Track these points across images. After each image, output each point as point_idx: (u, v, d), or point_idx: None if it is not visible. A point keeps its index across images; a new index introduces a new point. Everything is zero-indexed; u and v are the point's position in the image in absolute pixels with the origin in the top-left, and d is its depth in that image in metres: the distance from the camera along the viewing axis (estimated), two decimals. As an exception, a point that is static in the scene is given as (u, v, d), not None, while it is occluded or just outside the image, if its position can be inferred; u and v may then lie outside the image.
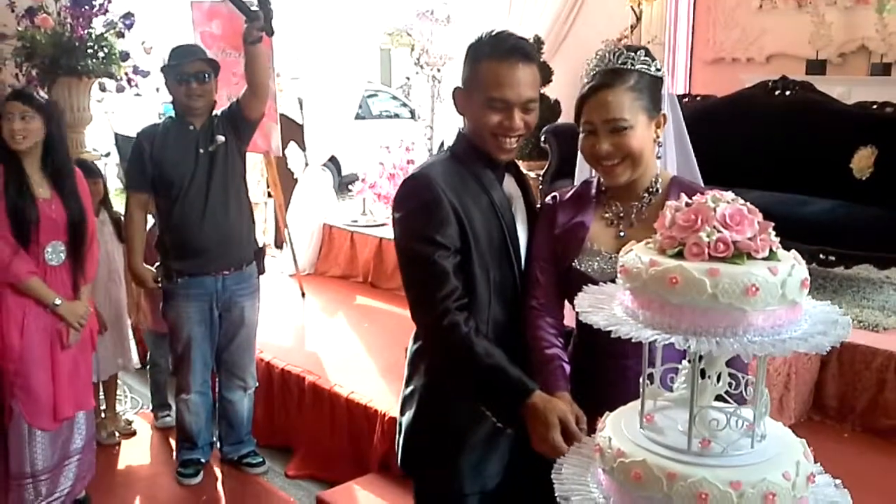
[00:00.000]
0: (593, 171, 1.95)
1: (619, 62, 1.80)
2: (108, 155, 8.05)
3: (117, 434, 4.10)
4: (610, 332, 1.33)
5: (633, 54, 1.81)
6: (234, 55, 4.94)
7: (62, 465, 3.21)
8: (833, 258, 4.34)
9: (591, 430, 1.66)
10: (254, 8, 3.15)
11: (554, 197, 2.03)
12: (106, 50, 4.53)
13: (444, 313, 1.85)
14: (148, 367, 4.27)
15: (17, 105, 3.00)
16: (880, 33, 6.30)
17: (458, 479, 2.01)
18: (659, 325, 1.28)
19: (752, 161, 4.91)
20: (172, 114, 3.52)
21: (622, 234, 1.87)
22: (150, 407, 4.32)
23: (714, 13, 7.48)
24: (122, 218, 3.73)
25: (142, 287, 3.65)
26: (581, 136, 1.87)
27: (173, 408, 4.07)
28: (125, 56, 4.62)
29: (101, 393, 4.05)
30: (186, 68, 3.36)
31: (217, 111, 3.49)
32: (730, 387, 1.40)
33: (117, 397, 4.26)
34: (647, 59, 1.82)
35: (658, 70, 1.84)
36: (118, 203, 4.00)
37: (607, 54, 1.83)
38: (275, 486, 3.72)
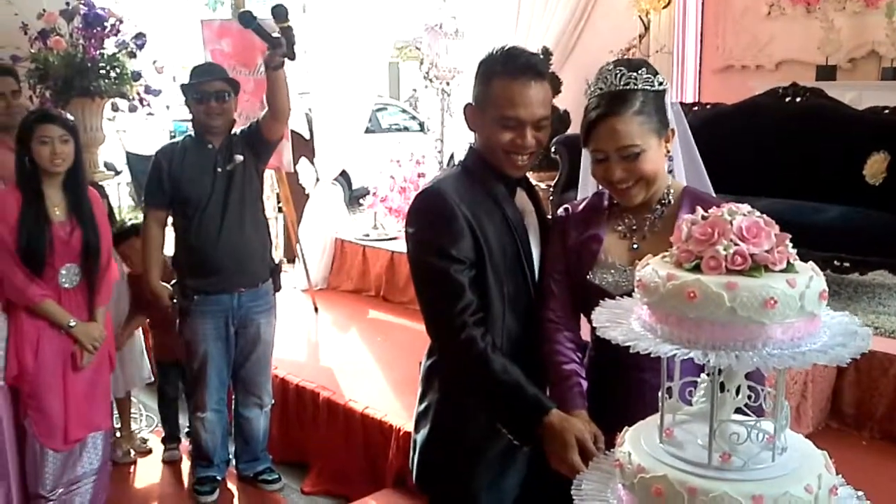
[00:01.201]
0: (599, 185, 1.95)
1: (622, 84, 1.78)
2: (119, 173, 8.12)
3: (133, 453, 4.11)
4: (627, 346, 1.33)
5: (634, 73, 1.78)
6: (244, 73, 4.97)
7: (74, 485, 3.22)
8: (848, 265, 4.31)
9: (609, 444, 1.66)
10: (275, 35, 3.17)
11: (566, 209, 2.03)
12: (118, 70, 4.58)
13: (461, 327, 1.85)
14: (157, 397, 4.24)
15: (53, 129, 2.99)
16: (890, 38, 6.28)
17: (474, 496, 2.01)
18: (678, 340, 1.27)
19: (763, 168, 4.89)
20: (185, 132, 3.54)
21: (635, 246, 1.86)
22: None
23: (722, 21, 7.47)
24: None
25: (158, 303, 3.65)
26: (592, 162, 1.86)
27: (182, 441, 4.11)
28: (137, 76, 4.66)
29: (116, 412, 4.05)
30: (206, 87, 3.38)
31: (236, 130, 3.51)
32: (749, 399, 1.39)
33: (132, 416, 4.27)
34: (648, 75, 1.80)
35: (661, 83, 1.82)
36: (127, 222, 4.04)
37: (608, 75, 1.80)
38: (291, 503, 3.71)
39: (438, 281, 1.89)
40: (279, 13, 3.18)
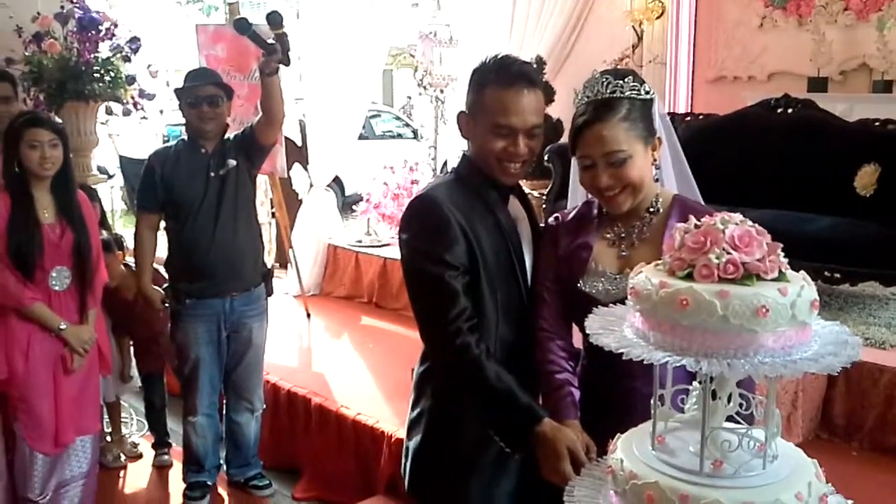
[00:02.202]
0: (588, 194, 1.96)
1: (609, 91, 1.80)
2: (112, 177, 8.10)
3: (123, 457, 4.10)
4: (617, 353, 1.34)
5: (621, 82, 1.81)
6: (238, 78, 4.98)
7: (63, 488, 3.20)
8: (838, 275, 4.34)
9: (601, 452, 1.67)
10: (270, 41, 3.19)
11: (556, 218, 2.04)
12: (112, 74, 4.59)
13: (455, 333, 1.85)
14: (144, 407, 4.23)
15: (42, 133, 2.98)
16: (881, 51, 6.32)
17: (467, 502, 2.01)
18: (670, 347, 1.28)
19: (755, 179, 4.92)
20: (178, 136, 3.55)
21: (624, 253, 1.88)
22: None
23: (715, 32, 7.51)
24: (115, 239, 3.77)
25: (149, 308, 3.65)
26: (580, 169, 1.88)
27: (172, 446, 4.10)
28: (131, 80, 4.66)
29: (106, 416, 4.04)
30: (198, 91, 3.39)
31: (229, 135, 3.52)
32: (740, 407, 1.40)
33: (123, 420, 4.25)
34: (635, 83, 1.82)
35: (648, 92, 1.84)
36: (119, 226, 4.04)
37: (596, 84, 1.83)
38: (281, 509, 3.72)
39: (432, 287, 1.90)
40: (274, 20, 3.19)
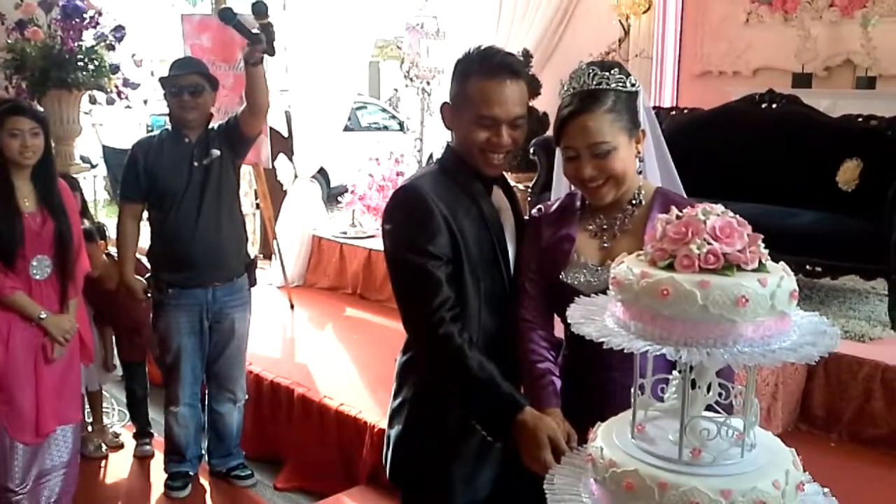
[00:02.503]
0: (571, 185, 1.97)
1: (595, 83, 1.81)
2: (95, 167, 8.05)
3: (104, 447, 4.08)
4: (597, 343, 1.35)
5: (607, 73, 1.81)
6: (223, 67, 4.96)
7: (43, 478, 3.19)
8: (819, 269, 4.38)
9: (581, 441, 1.68)
10: (255, 31, 3.18)
11: (539, 209, 2.05)
12: (96, 62, 4.55)
13: (438, 323, 1.86)
14: (126, 396, 4.21)
15: (24, 121, 2.96)
16: (865, 47, 6.35)
17: (449, 491, 2.02)
18: (650, 337, 1.29)
19: (739, 173, 4.95)
20: (162, 126, 3.53)
21: (606, 245, 1.89)
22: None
23: (701, 27, 7.53)
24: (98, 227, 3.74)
25: (132, 298, 3.63)
26: (563, 159, 1.88)
27: (154, 436, 4.08)
28: (115, 69, 4.63)
29: (87, 406, 4.02)
30: (181, 81, 3.38)
31: (214, 124, 3.50)
32: (720, 397, 1.41)
33: (104, 410, 4.23)
34: (621, 76, 1.82)
35: (633, 84, 1.85)
36: (101, 215, 4.02)
37: (582, 75, 1.83)
38: (263, 499, 3.71)
39: (416, 277, 1.90)
40: (259, 9, 3.18)
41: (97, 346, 3.87)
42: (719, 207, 1.36)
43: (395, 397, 2.12)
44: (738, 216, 1.35)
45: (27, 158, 2.98)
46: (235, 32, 3.31)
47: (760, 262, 1.31)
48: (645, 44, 7.73)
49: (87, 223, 3.87)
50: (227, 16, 3.25)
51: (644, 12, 7.71)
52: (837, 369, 3.70)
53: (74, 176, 4.41)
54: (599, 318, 1.41)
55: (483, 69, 1.93)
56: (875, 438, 3.60)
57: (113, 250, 3.85)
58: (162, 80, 3.46)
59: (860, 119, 4.86)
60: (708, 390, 1.39)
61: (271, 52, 3.24)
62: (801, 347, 1.28)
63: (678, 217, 1.35)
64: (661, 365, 1.45)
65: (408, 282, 1.94)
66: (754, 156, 5.00)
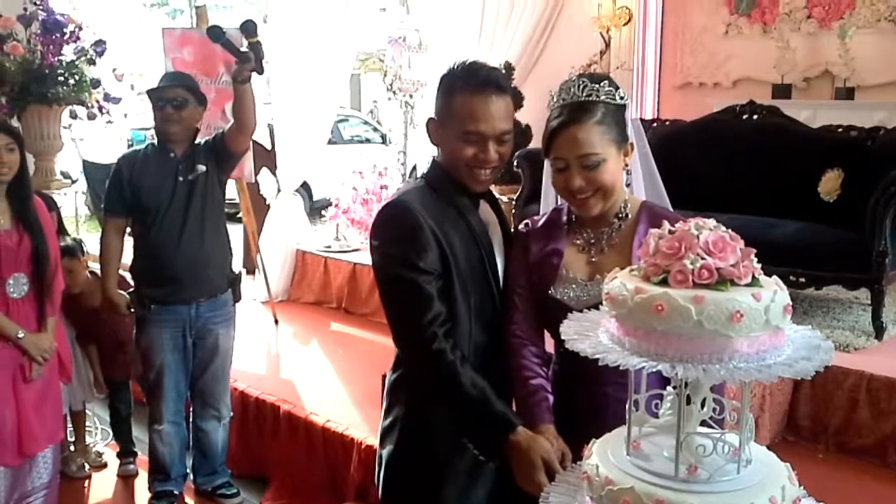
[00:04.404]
0: (559, 198, 1.97)
1: (585, 95, 1.82)
2: (76, 182, 7.98)
3: (87, 467, 4.02)
4: (589, 359, 1.34)
5: (597, 86, 1.82)
6: (205, 81, 4.91)
7: (25, 500, 3.13)
8: (803, 280, 4.39)
9: (575, 457, 1.67)
10: (243, 49, 3.17)
11: (526, 224, 2.05)
12: (77, 77, 4.49)
13: (431, 338, 1.84)
14: (109, 415, 4.16)
15: (0, 136, 2.94)
16: (843, 58, 6.43)
17: (442, 510, 2.00)
18: (645, 353, 1.28)
19: (720, 185, 4.97)
20: (142, 141, 3.50)
21: (594, 259, 1.88)
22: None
23: (681, 39, 7.60)
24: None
25: (115, 313, 3.59)
26: (552, 171, 1.88)
27: (138, 455, 4.03)
28: (96, 83, 4.58)
29: (70, 425, 3.97)
30: (164, 94, 3.36)
31: (200, 140, 3.48)
32: (713, 412, 1.41)
33: (87, 429, 4.17)
34: (610, 88, 1.83)
35: (622, 98, 1.86)
36: (82, 231, 3.97)
37: (572, 87, 1.84)
38: (250, 517, 3.68)
39: (407, 292, 1.88)
40: (248, 28, 3.18)
41: (83, 365, 3.83)
42: (711, 222, 1.36)
43: (385, 416, 2.10)
44: (730, 231, 1.35)
45: (2, 175, 2.95)
46: (218, 47, 3.30)
47: (754, 276, 1.31)
48: (626, 56, 7.80)
49: (68, 239, 3.83)
50: (215, 34, 3.24)
51: (624, 24, 7.78)
52: (823, 379, 3.71)
53: (54, 192, 4.37)
54: (593, 335, 1.41)
55: (468, 85, 1.92)
56: (861, 448, 3.60)
57: (94, 266, 3.81)
58: (148, 92, 3.44)
59: (840, 129, 4.90)
60: (702, 406, 1.38)
61: (260, 71, 3.23)
62: (797, 362, 1.27)
63: (671, 232, 1.35)
64: (654, 380, 1.44)
65: (399, 298, 1.93)
66: (736, 167, 5.02)
